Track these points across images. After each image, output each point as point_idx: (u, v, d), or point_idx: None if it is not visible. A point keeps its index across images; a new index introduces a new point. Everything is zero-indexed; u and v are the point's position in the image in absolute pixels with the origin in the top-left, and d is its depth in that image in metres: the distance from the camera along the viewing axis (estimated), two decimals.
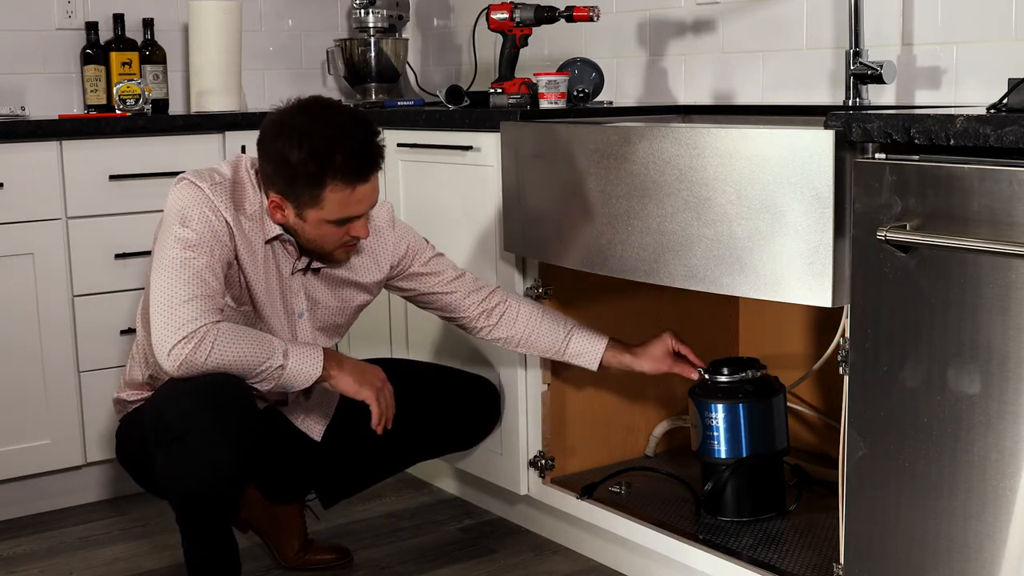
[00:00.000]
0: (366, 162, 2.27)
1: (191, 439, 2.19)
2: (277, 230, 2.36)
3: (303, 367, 2.28)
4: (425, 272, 2.57)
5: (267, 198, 2.34)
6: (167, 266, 2.25)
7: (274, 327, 2.42)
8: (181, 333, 2.19)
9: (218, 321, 2.24)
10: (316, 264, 2.45)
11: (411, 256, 2.56)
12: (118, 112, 3.22)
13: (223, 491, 2.26)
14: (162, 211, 3.07)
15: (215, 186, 2.31)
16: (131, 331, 3.09)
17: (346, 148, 2.25)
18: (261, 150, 2.32)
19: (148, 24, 3.53)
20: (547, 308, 2.61)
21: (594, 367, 2.58)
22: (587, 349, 2.56)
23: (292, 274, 2.44)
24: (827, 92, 2.79)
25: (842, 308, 1.94)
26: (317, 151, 2.23)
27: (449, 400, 2.69)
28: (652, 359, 2.56)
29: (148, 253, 3.07)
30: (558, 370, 2.76)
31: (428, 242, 2.60)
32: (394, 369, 2.70)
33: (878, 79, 2.54)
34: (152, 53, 3.54)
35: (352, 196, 2.28)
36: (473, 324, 2.58)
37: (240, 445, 2.23)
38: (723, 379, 2.53)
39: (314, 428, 2.59)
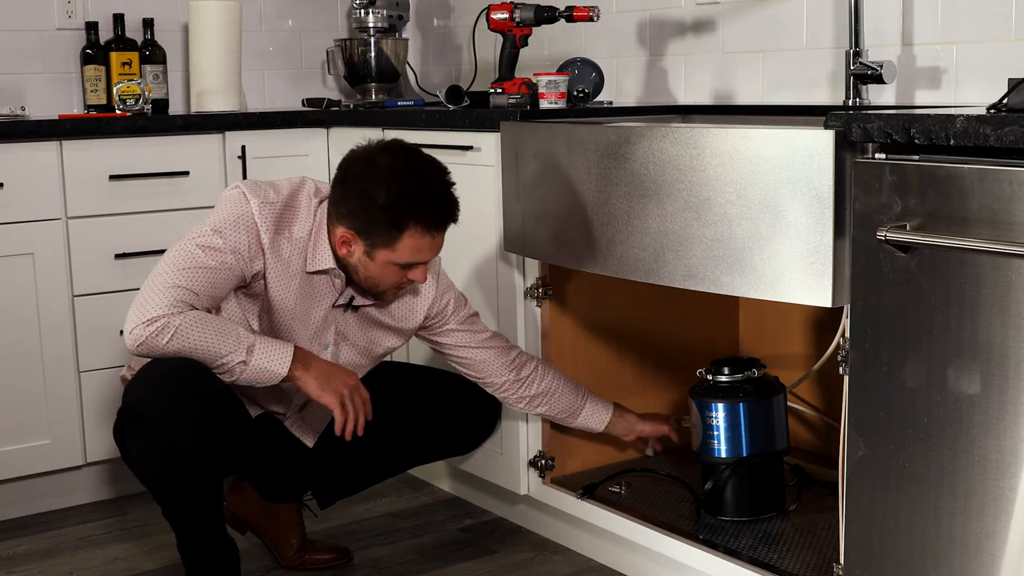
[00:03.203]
0: (448, 213, 2.31)
1: (147, 422, 2.21)
2: (328, 264, 2.35)
3: (268, 364, 2.26)
4: (460, 329, 2.57)
5: (335, 232, 2.33)
6: (174, 254, 2.27)
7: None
8: (147, 315, 2.20)
9: (183, 312, 2.22)
10: (358, 302, 2.44)
11: (449, 311, 2.56)
12: (118, 112, 3.22)
13: (183, 474, 2.24)
14: (163, 211, 3.12)
15: (265, 204, 2.31)
16: None
17: (432, 197, 2.29)
18: (342, 186, 2.32)
19: (148, 24, 3.53)
20: (563, 374, 2.66)
21: (600, 429, 2.70)
22: (598, 413, 2.68)
23: (332, 307, 2.43)
24: (827, 92, 2.79)
25: (842, 308, 1.94)
26: (405, 197, 2.26)
27: (446, 405, 2.69)
28: (654, 421, 2.75)
29: (148, 253, 3.10)
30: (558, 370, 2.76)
31: (466, 300, 2.61)
32: (391, 373, 2.71)
33: (878, 79, 2.54)
34: (152, 53, 3.54)
35: (428, 244, 2.30)
36: (501, 387, 2.60)
37: (197, 429, 2.22)
38: (723, 379, 2.53)
39: (307, 436, 2.59)
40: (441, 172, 2.33)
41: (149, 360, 2.40)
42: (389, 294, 2.42)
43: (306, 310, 2.39)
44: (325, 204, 2.37)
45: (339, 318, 2.46)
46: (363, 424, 2.35)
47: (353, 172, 2.31)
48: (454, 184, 2.33)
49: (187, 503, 2.30)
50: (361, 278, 2.37)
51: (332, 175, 2.39)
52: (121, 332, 3.05)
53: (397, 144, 2.35)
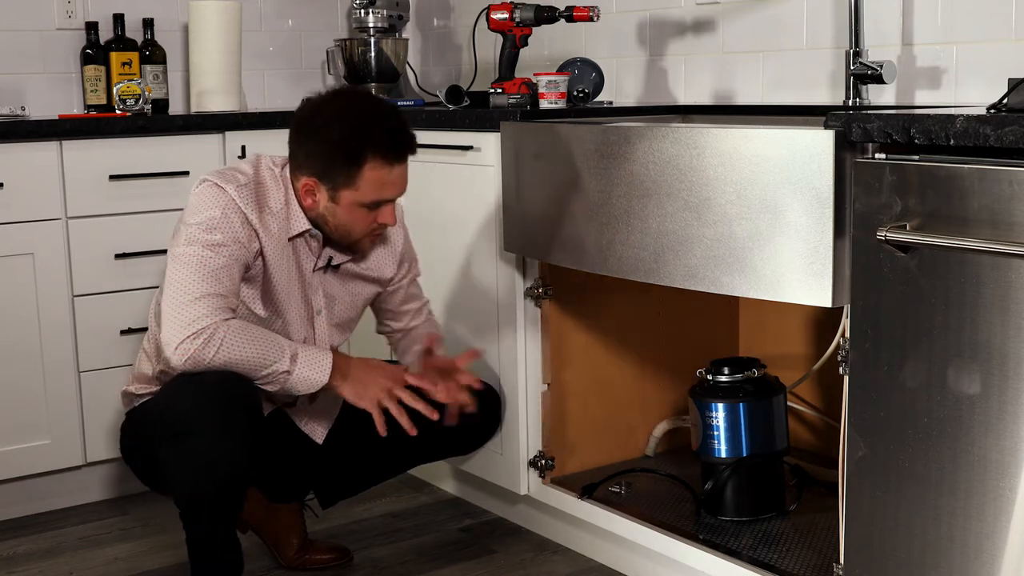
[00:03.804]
0: (403, 142, 2.34)
1: (196, 435, 2.20)
2: (303, 226, 2.39)
3: (309, 373, 2.30)
4: (412, 293, 2.66)
5: (298, 185, 2.37)
6: (185, 262, 2.27)
7: (293, 324, 2.44)
8: (191, 329, 2.21)
9: (229, 319, 2.26)
10: (337, 260, 2.47)
11: (407, 267, 2.62)
12: (118, 112, 3.22)
13: (227, 488, 2.26)
14: (163, 211, 3.11)
15: (240, 188, 2.33)
16: (131, 331, 3.09)
17: (386, 127, 2.32)
18: (298, 134, 2.36)
19: (148, 24, 3.53)
20: (434, 326, 2.70)
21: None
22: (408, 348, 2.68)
23: (313, 271, 2.46)
24: (827, 92, 2.79)
25: (842, 308, 1.94)
26: (358, 128, 2.29)
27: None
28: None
29: (148, 253, 3.10)
30: (558, 370, 2.76)
31: (417, 260, 2.69)
32: None
33: (878, 79, 2.54)
34: (152, 53, 3.54)
35: (388, 176, 2.32)
36: (388, 329, 2.71)
37: (244, 442, 2.24)
38: (723, 379, 2.53)
39: (316, 431, 2.59)
40: (393, 108, 2.38)
41: (165, 372, 2.43)
42: (364, 243, 2.44)
43: (296, 280, 2.42)
44: (287, 169, 2.41)
45: (323, 280, 2.49)
46: (408, 423, 2.36)
47: (305, 121, 2.35)
48: (407, 119, 2.37)
49: (220, 513, 2.31)
50: (332, 228, 2.39)
51: None
52: (121, 332, 3.09)
53: (345, 88, 2.44)
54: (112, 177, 3.07)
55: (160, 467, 2.30)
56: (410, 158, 2.37)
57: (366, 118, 2.31)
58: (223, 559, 2.35)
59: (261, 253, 2.35)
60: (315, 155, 2.32)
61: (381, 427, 2.35)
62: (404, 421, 2.36)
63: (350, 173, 2.30)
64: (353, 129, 2.29)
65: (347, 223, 2.37)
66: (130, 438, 2.52)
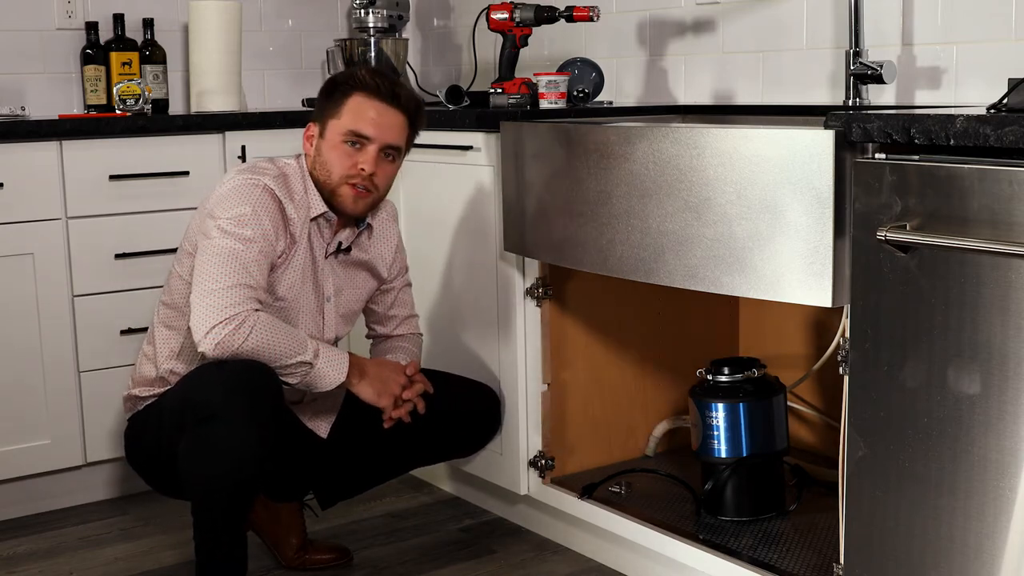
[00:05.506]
0: (388, 84, 2.46)
1: (221, 421, 2.22)
2: (320, 208, 2.45)
3: (329, 370, 2.36)
4: (403, 299, 2.70)
5: (306, 147, 2.49)
6: (217, 253, 2.32)
7: (304, 310, 2.48)
8: (223, 315, 2.26)
9: (258, 310, 2.31)
10: (346, 243, 2.52)
11: (400, 267, 2.68)
12: (118, 112, 3.21)
13: (248, 477, 2.28)
14: (163, 211, 3.11)
15: (275, 179, 2.41)
16: (131, 331, 3.09)
17: (376, 73, 2.50)
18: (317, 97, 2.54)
19: (148, 24, 3.53)
20: (411, 351, 2.70)
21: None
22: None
23: (325, 257, 2.51)
24: (827, 92, 2.79)
25: (842, 308, 1.94)
26: (353, 71, 2.52)
27: (450, 407, 2.68)
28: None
29: (149, 253, 3.10)
30: (559, 370, 2.76)
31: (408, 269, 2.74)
32: None
33: (878, 79, 2.54)
34: (152, 53, 3.54)
35: (368, 108, 2.42)
36: (375, 333, 2.75)
37: (269, 431, 2.28)
38: (723, 379, 2.53)
39: (321, 426, 2.60)
40: (392, 72, 2.64)
41: (173, 372, 2.44)
42: (345, 193, 2.44)
43: (309, 266, 2.48)
44: (302, 159, 2.50)
45: (334, 269, 2.55)
46: (409, 409, 2.50)
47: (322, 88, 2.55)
48: (406, 83, 2.56)
49: (235, 505, 2.32)
50: (319, 172, 2.45)
51: None
52: (121, 332, 3.09)
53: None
54: (112, 177, 3.07)
55: (176, 459, 2.31)
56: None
57: (363, 68, 2.57)
58: (232, 555, 2.35)
59: (288, 244, 2.41)
60: (319, 99, 2.49)
61: (387, 422, 2.47)
62: (420, 405, 2.51)
63: (337, 103, 2.43)
64: (349, 71, 2.54)
65: (328, 160, 2.44)
66: (137, 440, 2.53)
